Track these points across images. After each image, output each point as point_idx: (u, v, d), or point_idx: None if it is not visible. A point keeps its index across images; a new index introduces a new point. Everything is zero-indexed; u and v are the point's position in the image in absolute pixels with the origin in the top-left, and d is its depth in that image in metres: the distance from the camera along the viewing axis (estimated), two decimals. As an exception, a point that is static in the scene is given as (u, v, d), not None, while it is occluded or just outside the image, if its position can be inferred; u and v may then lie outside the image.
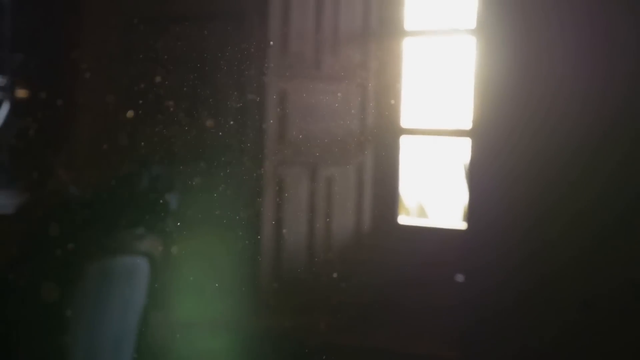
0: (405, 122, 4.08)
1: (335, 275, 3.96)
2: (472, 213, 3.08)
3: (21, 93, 4.21)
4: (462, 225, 4.05)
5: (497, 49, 2.98)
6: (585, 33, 2.83)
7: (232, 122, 3.92)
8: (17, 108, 4.18)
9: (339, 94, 4.01)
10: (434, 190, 4.54)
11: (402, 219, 4.13)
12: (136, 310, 3.47)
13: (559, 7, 2.84)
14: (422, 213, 4.52)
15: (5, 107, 4.19)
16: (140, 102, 3.99)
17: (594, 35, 2.81)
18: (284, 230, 3.93)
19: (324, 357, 3.72)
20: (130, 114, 3.80)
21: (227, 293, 3.84)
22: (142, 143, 3.85)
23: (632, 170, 2.78)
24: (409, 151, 4.18)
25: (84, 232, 3.41)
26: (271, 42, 3.91)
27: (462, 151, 4.43)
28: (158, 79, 4.01)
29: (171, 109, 3.93)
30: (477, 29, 3.03)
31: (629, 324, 2.78)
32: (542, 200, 2.89)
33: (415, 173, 4.41)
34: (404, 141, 4.10)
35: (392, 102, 4.08)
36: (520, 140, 2.91)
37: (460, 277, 3.33)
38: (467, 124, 3.64)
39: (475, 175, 3.05)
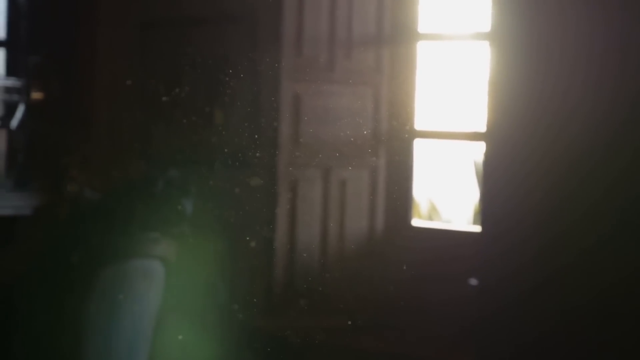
0: (418, 125, 4.09)
1: (348, 277, 3.98)
2: (486, 216, 3.09)
3: (36, 95, 4.23)
4: (474, 227, 4.06)
5: (511, 53, 2.98)
6: (598, 37, 2.83)
7: (246, 125, 3.93)
8: (32, 110, 4.20)
9: (352, 97, 4.03)
10: (447, 192, 4.56)
11: (416, 221, 4.14)
12: (151, 313, 3.49)
13: (572, 12, 2.85)
14: (435, 215, 4.53)
15: (21, 109, 4.21)
16: (155, 105, 4.01)
17: (606, 39, 2.82)
18: (298, 232, 3.94)
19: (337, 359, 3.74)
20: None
21: (241, 294, 3.86)
22: (157, 146, 3.87)
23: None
24: (423, 154, 4.19)
25: (100, 234, 3.43)
26: (285, 46, 3.93)
27: (475, 153, 4.45)
28: (172, 81, 4.03)
29: (186, 112, 3.95)
30: (490, 33, 3.04)
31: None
32: (556, 202, 2.90)
33: (429, 175, 4.43)
34: (418, 144, 4.11)
35: (406, 105, 4.09)
36: (533, 143, 2.92)
37: (473, 281, 3.34)
38: (481, 127, 3.66)
39: (489, 178, 3.06)
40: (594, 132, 2.84)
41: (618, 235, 2.81)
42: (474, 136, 3.93)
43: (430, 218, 4.50)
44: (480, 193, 3.07)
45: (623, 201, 2.80)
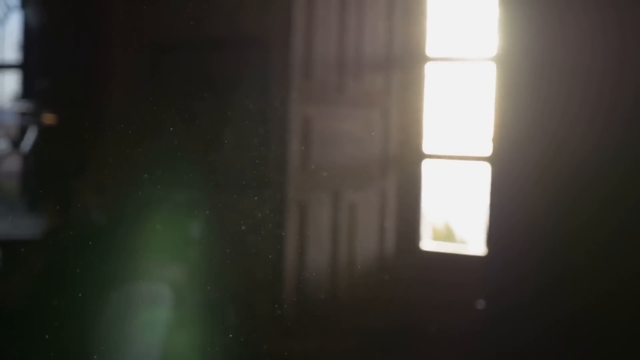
0: (427, 147, 4.10)
1: (357, 299, 3.98)
2: (492, 238, 3.09)
3: (47, 118, 4.25)
4: (483, 251, 4.06)
5: (517, 77, 2.99)
6: (605, 60, 2.84)
7: (256, 147, 3.94)
8: (43, 133, 4.22)
9: (362, 120, 4.04)
10: (463, 214, 4.55)
11: (425, 244, 4.14)
12: (159, 337, 3.49)
13: (578, 35, 2.86)
14: (451, 236, 4.51)
15: (32, 132, 4.23)
16: (164, 127, 4.03)
17: (610, 61, 2.83)
18: (307, 256, 3.95)
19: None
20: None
21: (250, 317, 3.86)
22: (167, 169, 3.88)
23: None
24: (437, 174, 4.19)
25: (108, 258, 3.44)
26: (295, 69, 3.94)
27: (484, 175, 4.44)
28: (183, 104, 4.04)
29: (196, 135, 3.96)
30: (496, 56, 3.05)
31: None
32: (561, 224, 2.90)
33: (444, 197, 4.42)
34: (429, 165, 4.11)
35: (415, 127, 4.10)
36: (538, 165, 2.93)
37: (481, 303, 3.34)
38: (487, 150, 3.66)
39: (495, 201, 3.07)
40: (602, 154, 2.84)
41: (619, 245, 2.80)
42: (482, 158, 3.94)
43: (446, 240, 4.49)
44: (487, 212, 3.07)
45: (622, 213, 2.80)
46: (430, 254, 4.08)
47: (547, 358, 2.93)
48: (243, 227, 3.84)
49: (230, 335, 3.79)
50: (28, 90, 4.38)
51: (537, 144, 2.91)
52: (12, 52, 4.39)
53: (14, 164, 4.32)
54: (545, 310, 2.91)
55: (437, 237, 4.42)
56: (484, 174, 4.44)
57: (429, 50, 4.10)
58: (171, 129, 3.99)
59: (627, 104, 2.79)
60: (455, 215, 4.53)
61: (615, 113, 2.79)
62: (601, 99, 2.83)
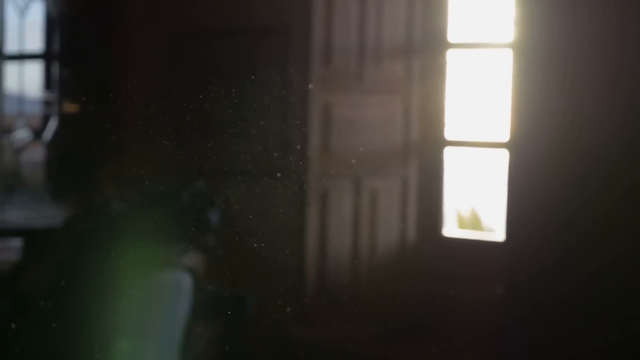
0: (449, 133, 4.08)
1: (379, 287, 3.96)
2: (511, 225, 3.07)
3: (68, 108, 4.26)
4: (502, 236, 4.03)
5: (534, 63, 2.97)
6: (621, 46, 2.81)
7: (276, 135, 3.94)
8: (64, 122, 4.23)
9: (382, 107, 4.02)
10: (490, 201, 4.52)
11: (447, 231, 4.12)
12: (180, 325, 3.50)
13: (594, 21, 2.83)
14: (478, 224, 4.47)
15: (53, 121, 4.25)
16: (185, 115, 4.03)
17: (627, 47, 2.79)
18: (328, 244, 3.94)
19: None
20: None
21: (271, 305, 3.86)
22: (187, 157, 3.88)
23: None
24: (464, 162, 4.17)
25: (128, 246, 3.44)
26: (315, 56, 3.93)
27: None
28: (202, 92, 4.04)
29: (215, 123, 3.95)
30: (513, 42, 3.02)
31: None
32: (581, 211, 2.87)
33: (468, 184, 4.39)
34: (449, 153, 4.09)
35: (436, 113, 4.08)
36: (557, 152, 2.90)
37: (501, 290, 3.32)
38: (505, 136, 3.63)
39: (513, 187, 3.04)
40: (621, 140, 2.81)
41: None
42: (504, 145, 3.91)
43: (473, 227, 4.45)
44: (505, 200, 3.04)
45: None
46: (453, 241, 4.06)
47: (570, 346, 2.90)
48: (263, 216, 3.83)
49: (251, 324, 3.79)
50: (49, 80, 4.39)
51: (555, 130, 2.88)
52: (33, 41, 4.40)
53: (36, 154, 4.33)
54: (568, 299, 2.88)
55: (463, 225, 4.40)
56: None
57: (451, 37, 4.07)
58: (189, 117, 3.99)
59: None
60: (482, 202, 4.50)
61: (634, 98, 2.76)
62: (623, 82, 2.79)
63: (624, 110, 2.78)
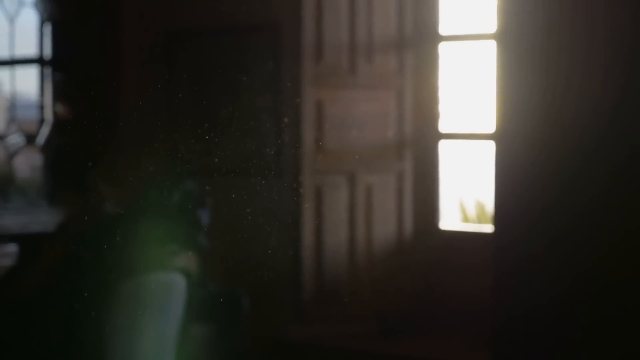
0: (443, 126, 4.07)
1: (376, 282, 3.96)
2: (499, 216, 3.05)
3: (61, 112, 4.25)
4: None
5: (517, 53, 2.95)
6: (607, 36, 2.79)
7: (269, 132, 3.93)
8: (57, 126, 4.22)
9: (375, 101, 4.01)
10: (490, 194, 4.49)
11: (444, 224, 4.11)
12: (173, 326, 3.49)
13: (579, 10, 2.81)
14: (483, 216, 4.43)
15: (46, 125, 4.24)
16: (178, 115, 4.02)
17: (615, 39, 2.78)
18: (325, 239, 3.93)
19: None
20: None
21: (269, 302, 3.85)
22: (180, 156, 3.88)
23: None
24: (458, 155, 4.15)
25: (121, 248, 3.44)
26: (306, 52, 3.92)
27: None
28: (196, 91, 4.03)
29: (208, 121, 3.95)
30: (497, 33, 3.00)
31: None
32: (568, 202, 2.86)
33: (475, 177, 4.36)
34: (444, 146, 4.08)
35: (430, 107, 4.07)
36: (545, 143, 2.88)
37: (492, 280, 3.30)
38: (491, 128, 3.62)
39: (501, 179, 3.02)
40: (608, 130, 2.79)
41: (632, 224, 2.76)
42: (487, 136, 3.91)
43: (479, 220, 4.42)
44: (493, 192, 3.02)
45: (633, 188, 2.76)
46: (450, 234, 4.05)
47: (562, 336, 2.89)
48: (259, 212, 3.82)
49: (249, 321, 3.79)
50: (43, 83, 4.38)
51: (541, 121, 2.86)
52: (24, 46, 4.39)
53: (30, 158, 4.32)
54: (558, 289, 2.86)
55: (467, 219, 4.38)
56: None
57: (442, 29, 4.06)
58: (184, 116, 3.98)
59: (637, 79, 2.73)
60: (487, 195, 4.47)
61: (621, 88, 2.74)
62: (609, 73, 2.77)
63: (611, 100, 2.76)
